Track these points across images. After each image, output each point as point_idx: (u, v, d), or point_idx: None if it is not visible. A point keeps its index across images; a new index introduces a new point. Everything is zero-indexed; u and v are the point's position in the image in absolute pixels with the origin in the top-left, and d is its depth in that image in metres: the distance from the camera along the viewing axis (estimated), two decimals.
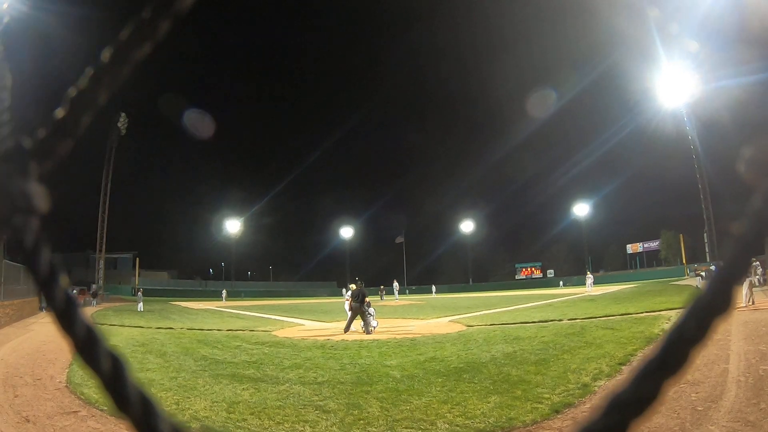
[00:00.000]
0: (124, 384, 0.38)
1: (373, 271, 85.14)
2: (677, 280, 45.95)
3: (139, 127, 69.54)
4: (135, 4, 0.42)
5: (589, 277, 44.46)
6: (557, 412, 5.96)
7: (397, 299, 48.16)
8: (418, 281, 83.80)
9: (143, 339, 14.50)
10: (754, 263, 22.76)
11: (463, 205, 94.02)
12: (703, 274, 33.51)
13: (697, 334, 0.34)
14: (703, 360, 7.78)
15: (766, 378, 6.70)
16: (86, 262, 67.56)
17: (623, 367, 8.02)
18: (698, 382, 6.63)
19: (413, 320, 20.18)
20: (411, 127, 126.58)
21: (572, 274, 74.72)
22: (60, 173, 0.43)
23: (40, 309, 31.93)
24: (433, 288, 66.88)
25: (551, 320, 16.12)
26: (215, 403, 6.80)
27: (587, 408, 6.10)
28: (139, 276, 67.74)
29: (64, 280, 0.39)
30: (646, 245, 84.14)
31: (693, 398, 5.99)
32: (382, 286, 52.90)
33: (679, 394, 6.08)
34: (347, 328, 15.19)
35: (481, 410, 6.08)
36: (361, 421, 5.87)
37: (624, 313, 16.90)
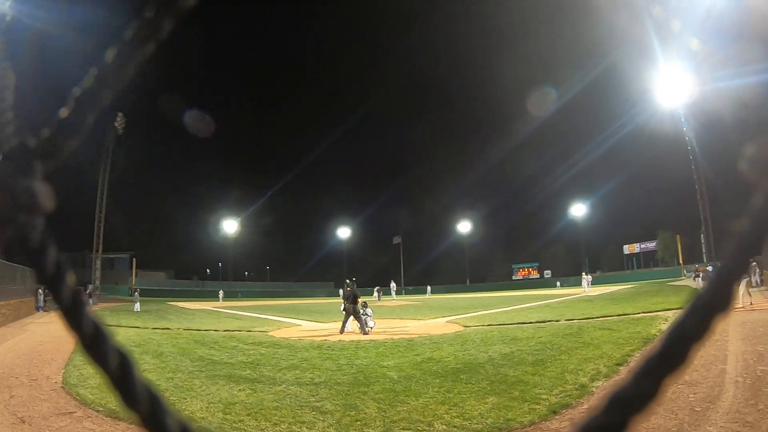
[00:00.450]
0: (132, 381, 0.38)
1: (370, 272, 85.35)
2: (674, 281, 46.12)
3: (136, 126, 69.31)
4: (139, 4, 0.42)
5: (585, 278, 44.66)
6: (555, 413, 5.96)
7: (394, 299, 48.22)
8: (416, 282, 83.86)
9: (140, 339, 14.46)
10: (752, 264, 22.83)
11: (460, 205, 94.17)
12: (701, 274, 33.64)
13: (697, 331, 0.34)
14: (701, 361, 7.80)
15: (763, 378, 6.72)
16: (83, 262, 67.39)
17: (621, 368, 8.03)
18: (696, 382, 6.65)
19: (410, 321, 20.19)
20: (409, 128, 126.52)
21: (569, 274, 74.84)
22: (57, 173, 0.42)
23: (37, 309, 31.86)
24: (428, 288, 66.89)
25: (548, 321, 16.15)
26: (212, 404, 6.78)
27: (585, 409, 6.11)
28: (135, 276, 67.61)
29: (71, 278, 0.39)
30: (643, 246, 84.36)
31: (691, 399, 6.00)
32: (378, 287, 52.95)
33: (677, 395, 6.08)
34: (342, 330, 15.18)
35: (479, 411, 6.07)
36: (358, 422, 5.86)
37: (621, 313, 16.94)
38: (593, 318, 16.16)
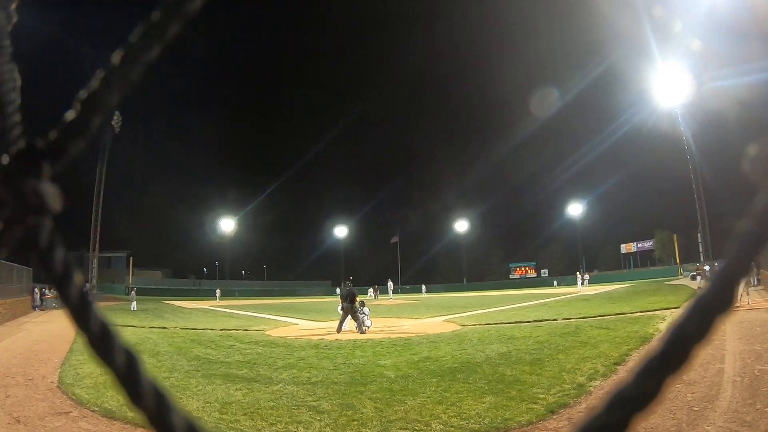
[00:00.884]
0: (138, 378, 0.38)
1: (368, 271, 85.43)
2: (671, 280, 46.27)
3: (133, 124, 69.17)
4: (145, 7, 0.42)
5: (580, 277, 44.96)
6: (552, 412, 5.97)
7: (391, 298, 48.27)
8: (413, 281, 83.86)
9: (136, 338, 14.43)
10: None
11: (458, 204, 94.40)
12: (701, 274, 33.73)
13: (698, 332, 0.35)
14: (699, 360, 7.78)
15: (761, 378, 6.74)
16: (80, 261, 67.23)
17: (618, 367, 8.05)
18: (694, 382, 6.66)
19: (407, 320, 20.20)
20: (407, 128, 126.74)
21: (566, 273, 75.00)
22: (58, 172, 0.42)
23: (33, 308, 31.79)
24: (423, 288, 66.94)
25: (546, 320, 16.17)
26: (208, 404, 6.77)
27: (583, 408, 6.12)
28: (132, 275, 67.51)
29: (78, 277, 0.40)
30: (640, 245, 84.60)
31: (689, 398, 6.01)
32: (375, 286, 52.98)
33: (675, 395, 6.10)
34: (339, 329, 15.19)
35: (476, 411, 6.08)
36: (355, 422, 5.86)
37: (619, 312, 16.98)
38: (590, 317, 16.20)
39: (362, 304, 15.68)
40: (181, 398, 7.11)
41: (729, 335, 10.02)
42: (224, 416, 6.21)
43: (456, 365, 8.92)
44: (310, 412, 6.28)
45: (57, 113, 0.40)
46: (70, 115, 0.40)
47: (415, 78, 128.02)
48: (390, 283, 54.93)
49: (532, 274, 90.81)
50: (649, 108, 56.94)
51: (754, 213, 0.35)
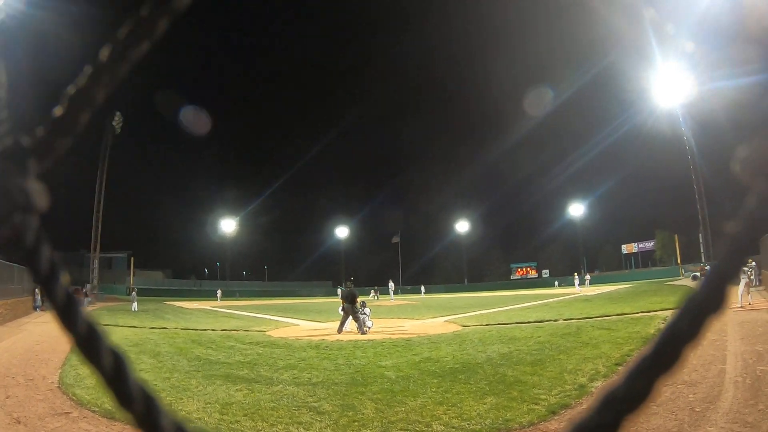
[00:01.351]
0: (126, 380, 0.38)
1: (368, 271, 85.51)
2: (672, 281, 46.19)
3: (134, 125, 69.25)
4: (133, 2, 0.42)
5: (576, 278, 45.11)
6: (554, 413, 5.96)
7: (392, 299, 48.24)
8: (414, 281, 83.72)
9: (137, 339, 14.44)
10: (750, 263, 22.87)
11: (458, 204, 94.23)
12: (698, 274, 33.69)
13: (690, 332, 0.35)
14: (700, 361, 7.81)
15: (763, 378, 6.73)
16: (81, 262, 67.22)
17: (619, 368, 8.04)
18: (696, 383, 6.66)
19: (408, 320, 20.19)
20: (406, 127, 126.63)
21: (567, 274, 74.85)
22: (54, 172, 0.42)
23: (34, 308, 31.78)
24: (422, 288, 66.88)
25: (547, 320, 16.17)
26: (208, 404, 6.77)
27: (584, 409, 6.10)
28: (133, 275, 67.54)
29: (64, 277, 0.39)
30: (641, 245, 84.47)
31: (691, 399, 6.00)
32: (375, 287, 52.96)
33: (677, 395, 6.09)
34: (340, 329, 15.19)
35: (477, 411, 6.07)
36: (356, 423, 5.85)
37: (620, 313, 16.97)
38: (592, 317, 16.19)
39: (363, 304, 15.68)
40: (182, 399, 7.11)
41: (731, 336, 10.01)
42: (225, 417, 6.20)
43: (457, 366, 8.91)
44: (311, 413, 6.28)
45: (44, 110, 0.40)
46: (57, 111, 0.39)
47: (415, 77, 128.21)
48: (391, 284, 54.88)
49: (533, 274, 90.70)
50: (649, 108, 56.94)
51: (744, 214, 0.35)
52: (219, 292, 57.80)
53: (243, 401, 6.93)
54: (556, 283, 70.23)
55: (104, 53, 0.39)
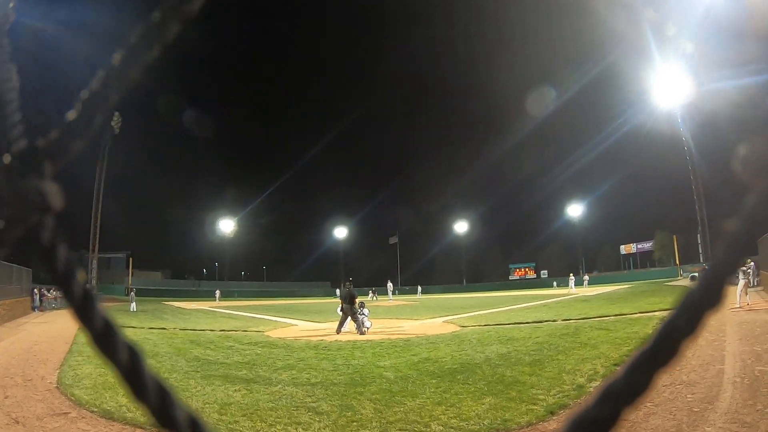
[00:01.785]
0: (141, 374, 0.39)
1: (367, 272, 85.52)
2: (671, 281, 46.25)
3: (133, 125, 69.07)
4: (145, 8, 0.43)
5: (572, 279, 45.34)
6: (552, 413, 5.97)
7: (390, 299, 48.25)
8: (412, 282, 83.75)
9: (136, 339, 14.33)
10: (749, 263, 22.91)
11: (457, 205, 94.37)
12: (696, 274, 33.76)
13: (687, 327, 0.35)
14: (699, 361, 7.83)
15: (761, 379, 6.74)
16: (80, 262, 67.15)
17: (618, 368, 8.03)
18: (694, 383, 6.67)
19: (407, 321, 20.19)
20: (406, 128, 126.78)
21: (566, 274, 74.89)
22: (58, 172, 0.43)
23: (33, 309, 31.77)
24: (419, 289, 66.82)
25: (545, 321, 16.18)
26: (207, 405, 6.77)
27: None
28: (132, 276, 67.49)
29: (81, 275, 0.40)
30: (639, 246, 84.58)
31: (689, 399, 6.01)
32: (373, 288, 52.95)
33: (675, 396, 6.11)
34: (339, 330, 15.19)
35: (476, 412, 6.08)
36: (355, 423, 5.85)
37: (618, 313, 16.99)
38: (590, 318, 16.20)
39: (362, 305, 15.68)
40: (181, 399, 7.09)
41: (729, 336, 10.03)
42: (223, 417, 6.20)
43: (455, 366, 8.92)
44: (310, 413, 6.28)
45: (58, 113, 0.40)
46: (71, 114, 0.40)
47: (414, 78, 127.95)
48: (390, 284, 54.92)
49: (531, 275, 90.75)
50: (648, 108, 57.03)
51: (743, 213, 0.36)
52: (218, 292, 57.75)
53: (242, 401, 6.93)
54: (555, 283, 70.27)
55: (116, 58, 0.40)
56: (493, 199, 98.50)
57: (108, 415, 6.27)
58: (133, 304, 31.62)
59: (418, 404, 6.53)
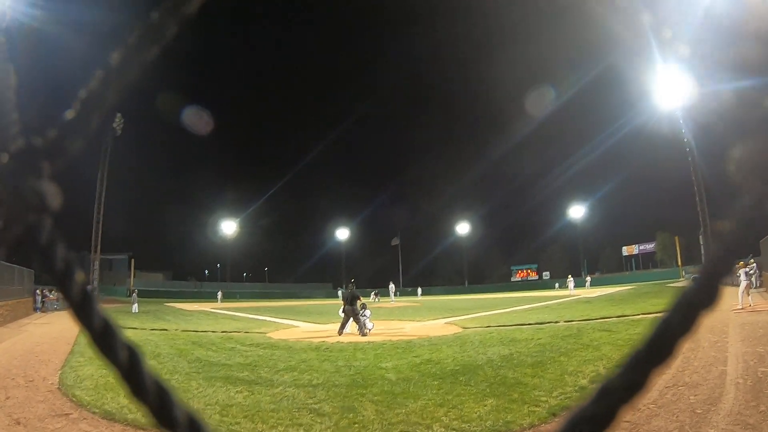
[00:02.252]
0: (141, 373, 0.39)
1: (369, 273, 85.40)
2: (673, 282, 46.15)
3: (135, 127, 69.16)
4: (144, 7, 0.43)
5: (571, 281, 45.41)
6: (554, 415, 5.95)
7: (392, 301, 48.21)
8: (414, 283, 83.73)
9: (137, 340, 14.25)
10: (752, 264, 22.84)
11: (459, 206, 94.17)
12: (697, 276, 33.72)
13: (683, 326, 0.36)
14: (701, 362, 7.81)
15: (764, 380, 6.72)
16: (81, 263, 67.20)
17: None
18: (697, 384, 6.65)
19: (409, 322, 20.17)
20: (407, 129, 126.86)
21: (568, 276, 74.99)
22: (57, 173, 0.43)
23: (35, 309, 31.82)
24: (419, 290, 66.65)
25: (547, 322, 16.16)
26: (208, 406, 6.77)
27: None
28: (134, 277, 67.57)
29: (79, 275, 0.40)
30: (641, 247, 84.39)
31: (692, 401, 6.00)
32: (376, 290, 52.95)
33: (678, 397, 6.09)
34: (341, 331, 15.18)
35: (478, 413, 6.07)
36: (356, 425, 5.84)
37: (620, 315, 16.96)
38: (592, 319, 16.16)
39: (364, 306, 15.67)
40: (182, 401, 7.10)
41: (732, 338, 10.01)
42: (225, 418, 6.20)
43: (457, 368, 8.90)
44: (311, 415, 6.27)
45: (56, 112, 0.40)
46: (69, 114, 0.40)
47: (416, 78, 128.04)
48: (392, 285, 54.83)
49: (533, 276, 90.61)
50: (650, 109, 56.90)
51: (737, 213, 0.36)
52: (219, 293, 57.83)
53: (243, 403, 6.93)
54: (557, 285, 70.20)
55: (115, 57, 0.40)
56: (495, 200, 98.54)
57: (109, 416, 6.28)
58: (135, 306, 31.68)
59: (420, 406, 6.52)
